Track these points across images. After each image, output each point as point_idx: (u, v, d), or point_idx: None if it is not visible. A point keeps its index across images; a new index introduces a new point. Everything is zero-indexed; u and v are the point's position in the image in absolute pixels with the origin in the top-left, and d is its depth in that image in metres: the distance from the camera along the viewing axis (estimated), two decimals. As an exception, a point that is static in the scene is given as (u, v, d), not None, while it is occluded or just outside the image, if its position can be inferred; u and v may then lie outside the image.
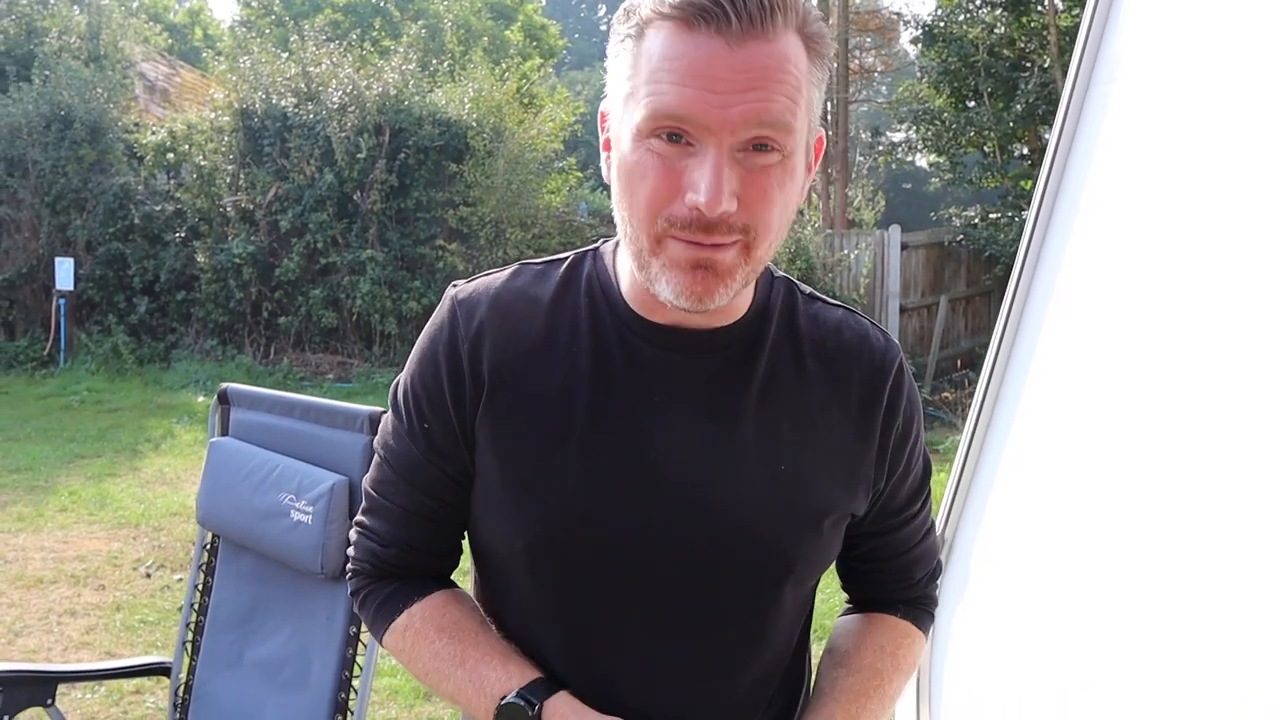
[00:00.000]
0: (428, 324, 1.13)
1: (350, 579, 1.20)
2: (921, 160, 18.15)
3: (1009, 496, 1.75)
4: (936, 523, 1.91)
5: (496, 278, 1.12)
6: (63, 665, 2.25)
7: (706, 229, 0.92)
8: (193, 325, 11.38)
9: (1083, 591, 1.60)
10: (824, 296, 1.17)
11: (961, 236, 11.73)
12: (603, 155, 1.02)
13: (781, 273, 1.16)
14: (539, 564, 1.07)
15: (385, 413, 1.16)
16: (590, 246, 1.16)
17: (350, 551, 1.19)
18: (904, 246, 10.87)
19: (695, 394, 1.05)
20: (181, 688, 2.33)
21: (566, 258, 1.14)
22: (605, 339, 1.06)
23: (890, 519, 1.19)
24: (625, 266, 1.08)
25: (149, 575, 4.90)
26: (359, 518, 1.18)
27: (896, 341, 1.17)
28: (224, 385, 2.39)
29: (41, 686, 2.14)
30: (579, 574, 1.06)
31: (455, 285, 1.13)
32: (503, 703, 1.03)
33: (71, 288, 10.79)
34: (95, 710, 3.48)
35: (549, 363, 1.06)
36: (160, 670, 2.37)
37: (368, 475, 1.17)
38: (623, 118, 0.96)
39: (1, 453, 7.18)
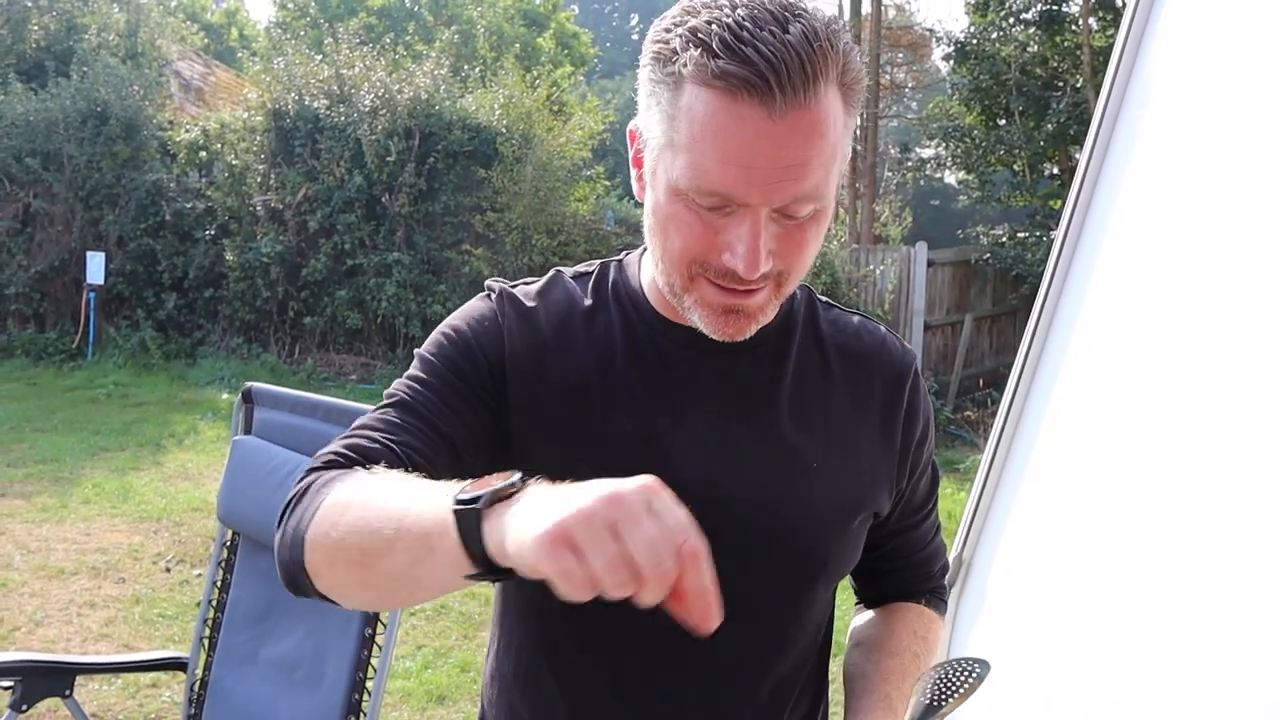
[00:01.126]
0: (464, 306, 1.12)
1: (294, 488, 0.95)
2: (951, 178, 18.08)
3: (1029, 517, 1.74)
4: (955, 543, 1.90)
5: (536, 282, 1.15)
6: (80, 657, 2.27)
7: (741, 280, 0.95)
8: (219, 323, 11.46)
9: (1102, 614, 1.59)
10: (838, 304, 1.21)
11: (989, 255, 11.67)
12: (633, 171, 1.03)
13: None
14: None
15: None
16: (614, 258, 1.19)
17: (305, 471, 0.96)
18: (930, 263, 10.83)
19: (727, 395, 1.08)
20: (197, 683, 2.34)
21: (593, 269, 1.16)
22: (639, 342, 1.09)
23: (911, 517, 1.24)
24: (650, 274, 1.10)
25: (169, 569, 4.94)
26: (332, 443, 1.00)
27: (911, 347, 1.22)
28: (248, 384, 2.41)
29: (59, 677, 2.16)
30: None
31: (495, 282, 1.14)
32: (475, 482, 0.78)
33: (102, 282, 10.90)
34: (112, 702, 3.52)
35: (585, 364, 1.08)
36: (177, 665, 2.39)
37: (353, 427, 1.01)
38: (659, 162, 0.96)
39: (28, 443, 7.26)
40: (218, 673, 2.32)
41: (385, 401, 1.05)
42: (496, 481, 0.76)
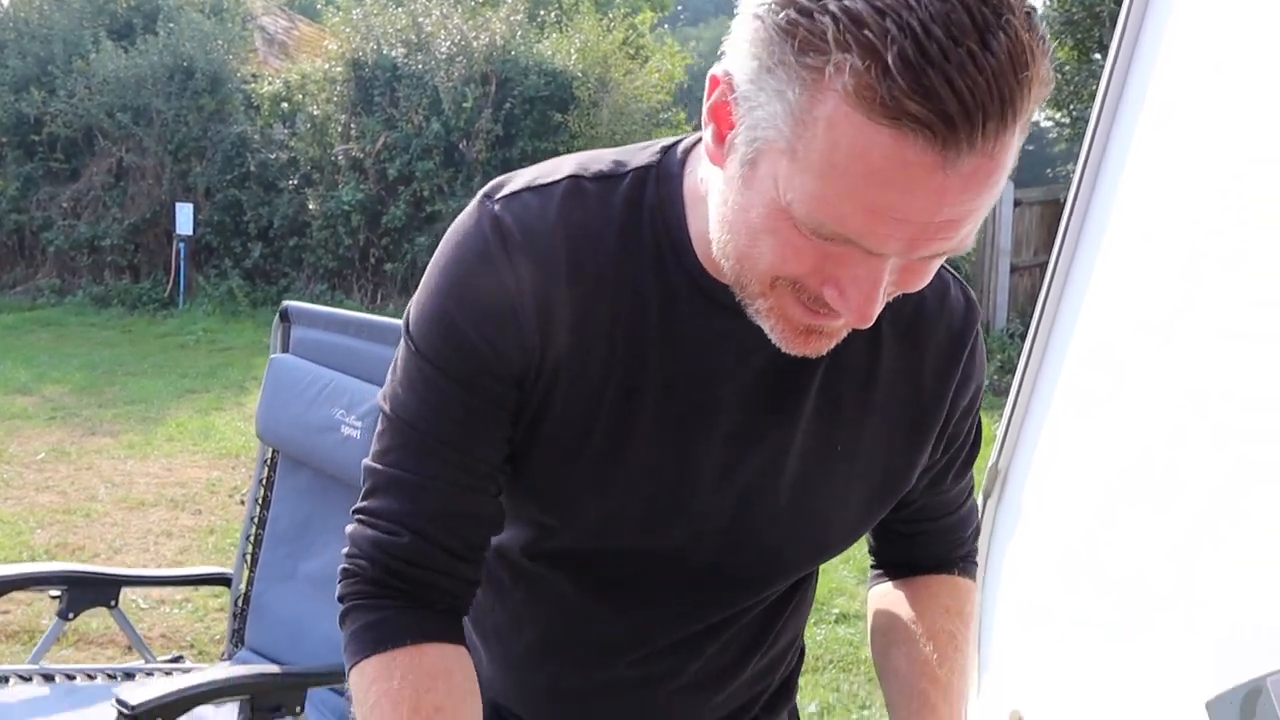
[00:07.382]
0: (461, 239, 0.89)
1: (340, 582, 0.95)
2: (1047, 121, 17.42)
3: (1064, 424, 1.66)
4: (991, 452, 1.82)
5: (548, 202, 0.88)
6: (125, 569, 2.33)
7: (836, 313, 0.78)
8: (304, 270, 11.69)
9: (1138, 523, 1.51)
10: None
11: (1080, 194, 11.26)
12: (708, 124, 0.78)
13: None
14: (558, 549, 1.00)
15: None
16: (649, 162, 0.91)
17: (344, 550, 0.95)
18: (1017, 203, 10.50)
19: (761, 371, 0.91)
20: (240, 598, 2.39)
21: (625, 175, 0.90)
22: (677, 308, 0.89)
23: (943, 480, 1.09)
24: (697, 204, 0.87)
25: (243, 502, 5.06)
26: (356, 507, 0.96)
27: (974, 297, 1.02)
28: (285, 303, 2.42)
29: (104, 588, 2.22)
30: (603, 557, 1.00)
31: (494, 200, 0.88)
32: None
33: (191, 233, 11.19)
34: (180, 624, 3.63)
35: (613, 330, 0.89)
36: (221, 580, 2.44)
37: (368, 456, 0.95)
38: (767, 160, 0.72)
39: (119, 386, 7.52)
40: (259, 588, 2.36)
41: (391, 444, 0.92)
42: None
